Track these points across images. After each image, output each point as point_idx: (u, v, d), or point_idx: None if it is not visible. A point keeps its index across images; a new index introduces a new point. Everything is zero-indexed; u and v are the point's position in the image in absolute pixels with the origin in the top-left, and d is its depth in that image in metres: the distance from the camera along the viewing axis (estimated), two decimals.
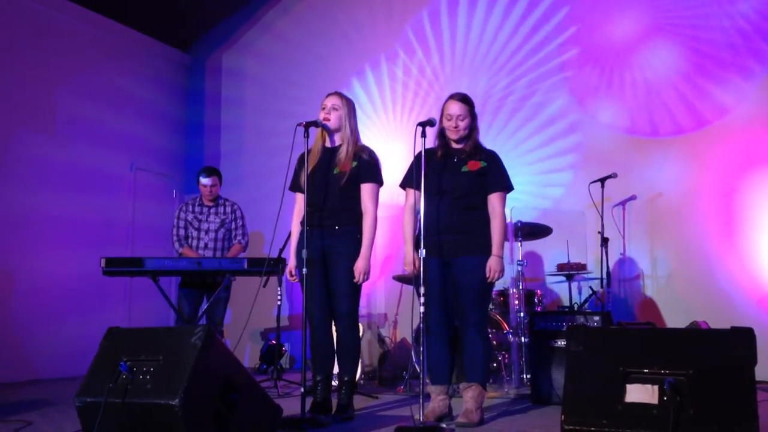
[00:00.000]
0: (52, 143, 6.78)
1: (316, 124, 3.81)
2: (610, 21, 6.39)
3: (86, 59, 7.24)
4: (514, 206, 5.57)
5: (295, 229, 3.98)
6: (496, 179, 3.80)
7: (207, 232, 5.56)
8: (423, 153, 3.59)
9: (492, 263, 3.68)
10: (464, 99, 3.82)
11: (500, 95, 6.75)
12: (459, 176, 3.75)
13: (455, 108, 3.77)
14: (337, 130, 3.89)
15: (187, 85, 8.56)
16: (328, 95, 3.94)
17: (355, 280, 3.77)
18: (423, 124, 3.63)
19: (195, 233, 5.56)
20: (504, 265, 3.75)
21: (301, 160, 3.96)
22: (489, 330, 5.01)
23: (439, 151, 3.82)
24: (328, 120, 3.85)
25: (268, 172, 7.38)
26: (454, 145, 3.84)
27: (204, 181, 5.57)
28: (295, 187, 4.03)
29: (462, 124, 3.76)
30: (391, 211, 6.07)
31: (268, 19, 8.23)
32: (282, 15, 8.14)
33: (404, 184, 3.96)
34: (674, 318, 5.72)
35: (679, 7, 6.10)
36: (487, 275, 3.68)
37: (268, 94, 8.01)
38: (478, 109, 3.91)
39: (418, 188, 3.79)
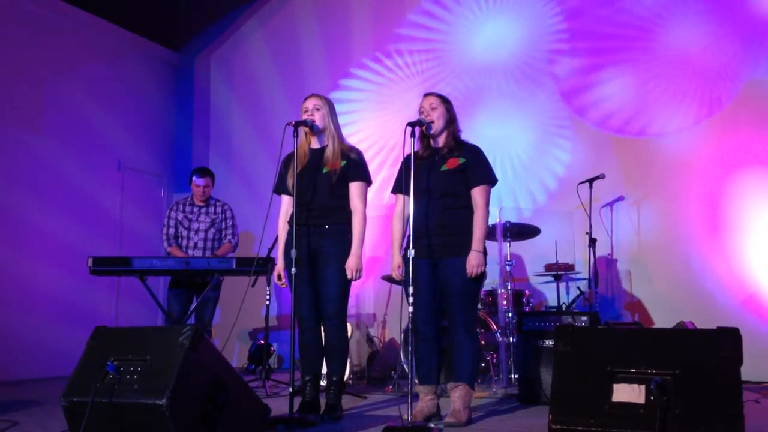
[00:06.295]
0: (40, 142, 6.74)
1: (305, 123, 3.82)
2: (599, 22, 6.42)
3: (75, 57, 7.20)
4: (502, 206, 5.59)
5: (282, 232, 3.97)
6: (478, 173, 3.77)
7: (197, 231, 5.56)
8: (412, 155, 3.59)
9: (471, 258, 3.64)
10: (436, 93, 3.87)
11: (489, 95, 6.76)
12: (438, 176, 3.75)
13: (425, 100, 3.82)
14: (323, 129, 3.89)
15: (176, 84, 8.52)
16: (307, 98, 3.94)
17: (349, 278, 3.78)
18: (412, 124, 3.64)
19: (185, 233, 5.55)
20: (483, 260, 3.68)
21: (286, 162, 3.96)
22: (477, 330, 5.03)
23: (423, 153, 3.82)
24: (313, 120, 3.85)
25: (257, 171, 7.37)
26: (434, 145, 3.84)
27: (197, 181, 5.58)
28: (279, 189, 4.02)
29: (434, 114, 3.76)
30: (379, 211, 6.09)
31: (257, 19, 8.20)
32: (271, 15, 8.12)
33: (394, 190, 3.97)
34: (661, 318, 5.76)
35: (666, 10, 6.14)
36: (468, 271, 3.64)
37: (257, 94, 7.99)
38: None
39: (405, 192, 3.79)
